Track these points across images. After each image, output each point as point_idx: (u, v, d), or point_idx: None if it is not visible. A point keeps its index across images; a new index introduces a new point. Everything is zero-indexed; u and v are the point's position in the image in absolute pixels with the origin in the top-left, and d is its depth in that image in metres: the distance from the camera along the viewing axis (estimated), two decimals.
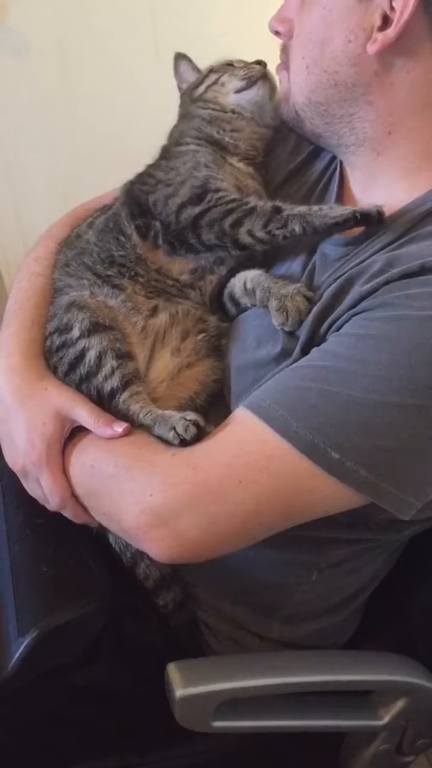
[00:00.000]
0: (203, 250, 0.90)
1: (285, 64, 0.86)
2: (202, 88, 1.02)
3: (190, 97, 1.04)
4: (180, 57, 1.07)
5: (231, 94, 0.99)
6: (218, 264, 0.92)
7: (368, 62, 0.76)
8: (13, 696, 0.78)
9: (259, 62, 1.00)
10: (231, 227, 0.85)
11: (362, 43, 0.75)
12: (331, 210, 0.81)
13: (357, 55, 0.75)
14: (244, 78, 0.98)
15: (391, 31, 0.72)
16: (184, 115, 1.05)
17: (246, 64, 1.01)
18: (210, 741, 0.82)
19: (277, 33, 0.86)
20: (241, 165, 0.97)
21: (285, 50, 0.86)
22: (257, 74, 0.98)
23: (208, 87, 1.02)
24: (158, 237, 0.91)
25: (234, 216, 0.85)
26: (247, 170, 0.98)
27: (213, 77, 1.02)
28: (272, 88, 0.98)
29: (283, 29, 0.84)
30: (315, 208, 0.82)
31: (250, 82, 0.98)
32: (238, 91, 0.99)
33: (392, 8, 0.72)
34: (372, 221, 0.78)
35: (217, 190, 0.89)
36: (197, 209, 0.88)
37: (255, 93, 0.98)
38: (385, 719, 0.80)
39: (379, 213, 0.77)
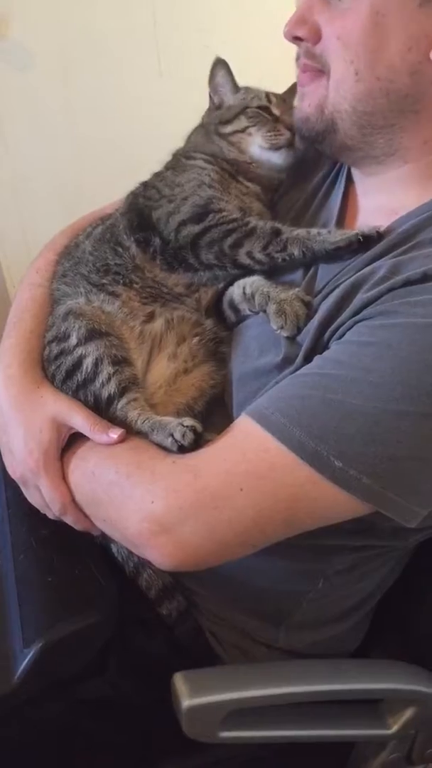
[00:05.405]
0: (201, 269, 0.90)
1: (316, 72, 0.80)
2: (229, 129, 1.00)
3: (216, 126, 1.01)
4: (219, 64, 1.02)
5: (254, 147, 0.98)
6: (213, 280, 0.92)
7: (427, 71, 0.74)
8: (19, 708, 0.77)
9: (291, 128, 0.96)
10: (230, 248, 0.86)
11: (423, 51, 0.73)
12: (330, 235, 0.81)
13: (417, 63, 0.74)
14: (270, 141, 0.97)
15: None
16: (206, 132, 1.03)
17: (275, 126, 0.97)
18: (217, 751, 0.82)
19: (296, 39, 0.80)
20: (249, 183, 0.98)
21: (312, 55, 0.80)
22: (283, 142, 0.97)
23: (236, 131, 1.00)
24: (157, 253, 0.92)
25: (234, 237, 0.86)
26: (254, 189, 0.98)
27: (243, 123, 0.99)
28: (295, 154, 0.98)
29: (305, 33, 0.78)
30: (314, 232, 0.83)
31: (275, 148, 0.97)
32: (262, 149, 0.98)
33: None
34: (371, 242, 0.78)
35: (219, 211, 0.89)
36: (197, 228, 0.88)
37: (278, 157, 0.98)
38: (394, 728, 0.80)
39: (379, 234, 0.78)
